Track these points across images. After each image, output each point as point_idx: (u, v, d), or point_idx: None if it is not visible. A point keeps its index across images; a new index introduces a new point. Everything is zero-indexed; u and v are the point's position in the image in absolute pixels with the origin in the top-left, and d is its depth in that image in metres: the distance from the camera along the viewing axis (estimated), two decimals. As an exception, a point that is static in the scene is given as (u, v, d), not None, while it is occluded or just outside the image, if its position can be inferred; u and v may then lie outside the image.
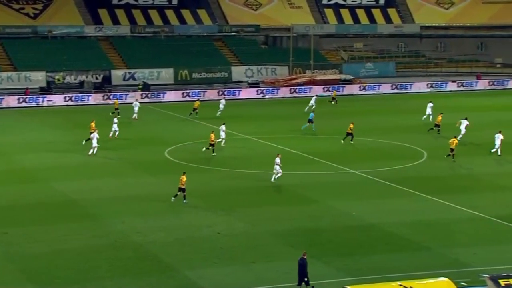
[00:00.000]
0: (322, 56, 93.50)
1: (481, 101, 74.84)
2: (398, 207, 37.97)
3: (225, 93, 77.16)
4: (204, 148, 49.53)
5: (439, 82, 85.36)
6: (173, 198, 38.10)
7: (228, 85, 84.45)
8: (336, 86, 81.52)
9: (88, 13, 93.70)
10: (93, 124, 51.84)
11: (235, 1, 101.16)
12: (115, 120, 55.55)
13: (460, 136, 52.43)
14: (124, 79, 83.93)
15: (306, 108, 64.09)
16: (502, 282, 24.78)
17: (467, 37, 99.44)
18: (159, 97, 75.01)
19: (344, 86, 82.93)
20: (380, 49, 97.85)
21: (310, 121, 57.54)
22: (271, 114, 66.32)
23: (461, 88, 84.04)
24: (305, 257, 27.48)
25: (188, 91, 78.10)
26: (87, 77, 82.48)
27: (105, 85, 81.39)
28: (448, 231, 34.19)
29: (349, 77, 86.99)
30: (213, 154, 49.01)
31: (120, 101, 68.78)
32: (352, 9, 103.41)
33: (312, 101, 67.13)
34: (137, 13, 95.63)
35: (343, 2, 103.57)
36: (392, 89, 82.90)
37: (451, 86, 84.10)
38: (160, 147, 51.78)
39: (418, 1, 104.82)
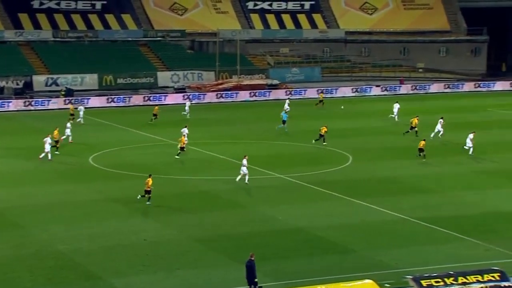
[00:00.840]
0: (249, 61, 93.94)
1: (405, 105, 76.27)
2: (324, 210, 38.43)
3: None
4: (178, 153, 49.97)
5: (364, 87, 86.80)
6: (139, 196, 38.59)
7: (154, 90, 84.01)
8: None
9: (8, 17, 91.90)
10: (56, 132, 51.54)
11: (161, 6, 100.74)
12: (68, 125, 55.44)
13: (438, 134, 54.61)
14: (46, 85, 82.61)
15: (282, 112, 64.40)
16: (424, 283, 25.41)
17: (390, 42, 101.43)
18: (83, 103, 74.13)
19: (271, 91, 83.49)
20: (305, 54, 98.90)
21: (283, 122, 59.18)
22: (198, 120, 66.24)
23: (385, 93, 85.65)
24: (252, 258, 27.53)
25: (113, 96, 77.39)
26: (7, 83, 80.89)
27: (26, 91, 79.96)
28: (372, 234, 34.79)
29: (275, 82, 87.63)
30: (176, 157, 49.35)
31: (42, 107, 67.69)
32: (277, 14, 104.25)
33: (286, 105, 67.87)
34: (59, 18, 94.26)
35: (269, 8, 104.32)
36: (318, 93, 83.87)
37: (376, 91, 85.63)
38: (84, 153, 51.16)
39: (342, 6, 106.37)
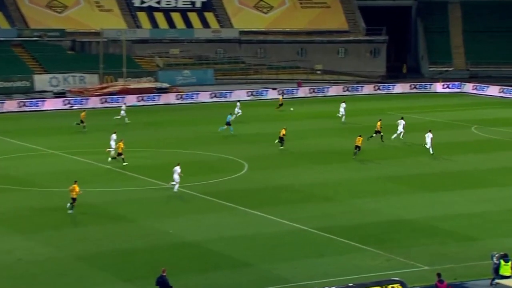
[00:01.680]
0: (136, 63, 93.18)
1: (303, 108, 77.43)
2: (217, 222, 38.46)
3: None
4: (110, 159, 50.30)
5: (260, 90, 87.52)
6: (69, 205, 38.82)
7: (30, 95, 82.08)
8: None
9: None
10: None
11: (37, 3, 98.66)
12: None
13: (398, 135, 56.79)
14: None
15: (233, 117, 65.08)
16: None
17: (287, 43, 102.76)
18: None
19: (160, 95, 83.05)
20: (197, 55, 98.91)
21: (228, 123, 60.71)
22: (81, 127, 65.12)
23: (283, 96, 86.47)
24: (164, 274, 27.43)
25: (-16, 102, 75.26)
26: None
27: None
28: (269, 246, 35.04)
29: (165, 85, 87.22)
30: (124, 163, 49.76)
31: None
32: (166, 12, 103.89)
33: (237, 109, 68.79)
34: None
35: (157, 5, 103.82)
36: (211, 97, 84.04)
37: (272, 94, 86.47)
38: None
39: (236, 5, 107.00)
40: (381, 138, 57.97)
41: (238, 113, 68.84)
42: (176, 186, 43.34)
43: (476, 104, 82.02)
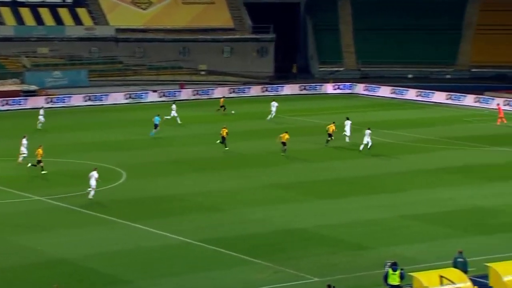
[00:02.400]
0: None
1: (185, 112, 77.28)
2: (93, 236, 37.99)
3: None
4: (29, 164, 49.78)
5: (139, 92, 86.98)
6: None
7: None
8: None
9: None
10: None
11: None
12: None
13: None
14: None
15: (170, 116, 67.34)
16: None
17: (168, 41, 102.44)
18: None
19: (27, 99, 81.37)
20: (69, 54, 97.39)
21: (156, 126, 62.65)
22: None
23: (163, 99, 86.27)
24: None
25: None
26: None
27: None
28: (150, 261, 34.82)
29: (33, 87, 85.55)
30: (43, 172, 49.69)
31: None
32: (33, 8, 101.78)
33: (173, 112, 69.38)
34: None
35: (22, 0, 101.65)
36: (85, 100, 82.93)
37: (152, 97, 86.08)
38: None
39: (111, 0, 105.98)
40: (327, 142, 59.62)
41: (171, 116, 68.88)
42: (92, 193, 43.55)
43: (368, 105, 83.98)
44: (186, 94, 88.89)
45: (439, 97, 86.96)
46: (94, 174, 43.88)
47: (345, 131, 60.74)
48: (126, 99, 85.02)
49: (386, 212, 43.02)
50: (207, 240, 37.47)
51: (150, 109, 78.45)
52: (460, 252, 31.79)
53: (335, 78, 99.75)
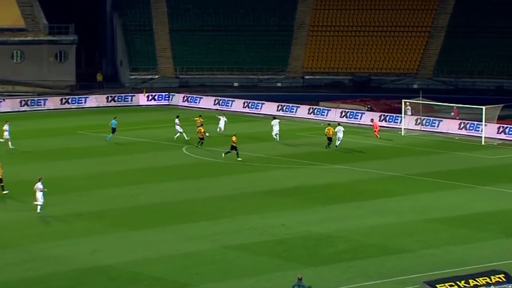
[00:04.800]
0: None
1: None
2: None
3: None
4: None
5: None
6: None
7: None
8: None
9: None
10: None
11: None
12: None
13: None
14: None
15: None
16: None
17: None
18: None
19: None
20: None
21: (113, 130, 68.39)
22: None
23: None
24: None
25: None
26: None
27: None
28: None
29: None
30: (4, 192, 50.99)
31: None
32: None
33: (113, 124, 70.86)
34: None
35: None
36: None
37: None
38: None
39: None
40: (237, 155, 62.91)
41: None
42: (39, 207, 46.78)
43: (189, 118, 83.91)
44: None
45: (269, 108, 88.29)
46: (39, 185, 47.19)
47: (273, 130, 70.69)
48: None
49: (206, 243, 42.93)
50: (-8, 283, 36.25)
51: None
52: (300, 279, 32.46)
53: (149, 88, 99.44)
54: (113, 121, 70.28)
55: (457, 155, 67.61)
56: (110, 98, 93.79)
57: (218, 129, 73.54)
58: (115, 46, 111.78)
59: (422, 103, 79.33)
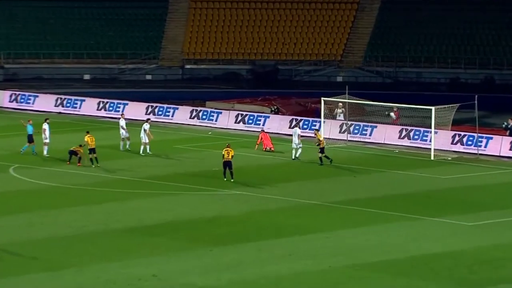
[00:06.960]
0: None
1: None
2: None
3: None
4: None
5: None
6: None
7: None
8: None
9: None
10: None
11: None
12: None
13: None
14: None
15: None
16: None
17: None
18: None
19: None
20: None
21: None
22: None
23: None
24: None
25: None
26: None
27: None
28: None
29: None
30: None
31: None
32: None
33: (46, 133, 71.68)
34: None
35: None
36: None
37: None
38: None
39: None
40: (96, 161, 68.75)
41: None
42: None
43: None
44: None
45: (135, 109, 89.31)
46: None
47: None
48: None
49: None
50: None
51: None
52: None
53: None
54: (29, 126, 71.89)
55: (396, 175, 68.66)
56: None
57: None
58: None
59: (348, 102, 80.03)
